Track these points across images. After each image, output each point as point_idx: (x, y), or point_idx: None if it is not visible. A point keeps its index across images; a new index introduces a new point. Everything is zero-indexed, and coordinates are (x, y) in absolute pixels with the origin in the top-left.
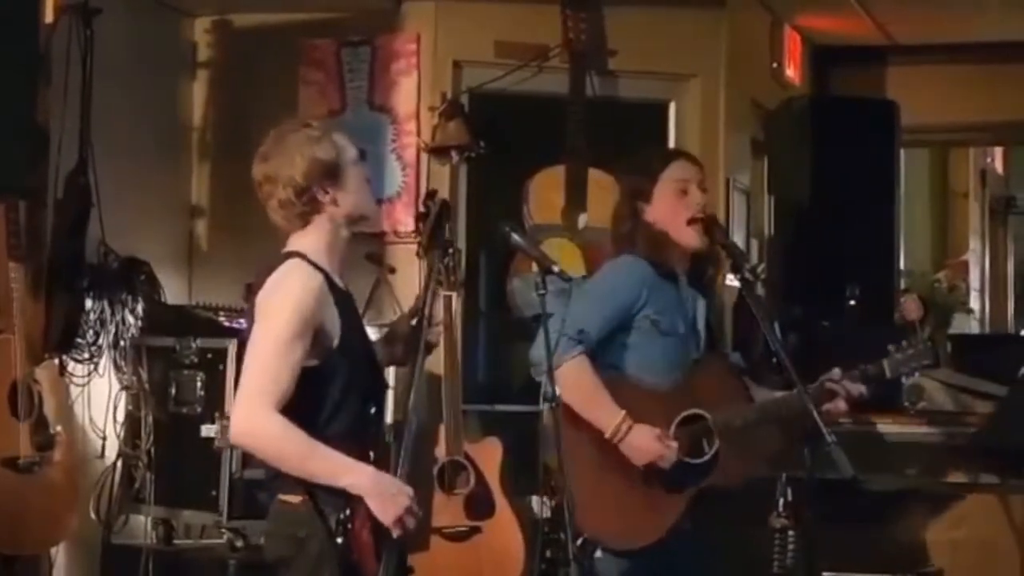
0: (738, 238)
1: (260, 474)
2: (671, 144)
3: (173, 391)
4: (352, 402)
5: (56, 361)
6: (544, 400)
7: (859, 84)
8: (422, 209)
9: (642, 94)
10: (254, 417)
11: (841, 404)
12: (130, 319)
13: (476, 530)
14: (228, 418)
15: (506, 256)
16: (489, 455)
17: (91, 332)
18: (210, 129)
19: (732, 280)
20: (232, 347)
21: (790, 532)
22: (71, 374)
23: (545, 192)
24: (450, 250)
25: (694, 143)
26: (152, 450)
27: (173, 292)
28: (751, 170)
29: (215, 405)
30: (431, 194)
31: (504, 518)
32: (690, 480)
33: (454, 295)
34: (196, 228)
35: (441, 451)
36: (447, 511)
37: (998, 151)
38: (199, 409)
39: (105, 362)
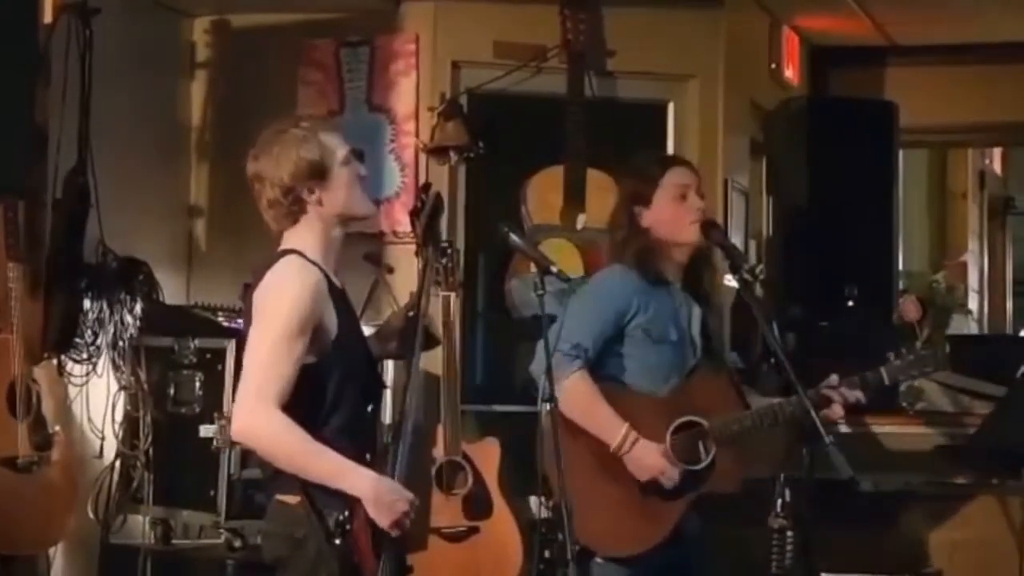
0: (737, 239)
1: (258, 474)
2: (670, 145)
3: (172, 391)
4: (349, 399)
5: (54, 361)
6: (542, 400)
7: (858, 85)
8: (417, 204)
9: (641, 95)
10: (255, 415)
11: (837, 409)
12: (129, 319)
13: (474, 530)
14: (227, 418)
15: (505, 256)
16: (487, 455)
17: (89, 332)
18: (209, 129)
19: (730, 281)
20: (231, 347)
21: (788, 533)
22: (69, 374)
23: (544, 193)
24: (448, 250)
25: (693, 144)
26: (150, 450)
27: (172, 292)
28: (750, 171)
29: (214, 405)
30: (425, 187)
31: (502, 518)
32: (687, 487)
33: (453, 295)
34: (195, 228)
35: (439, 451)
36: (445, 511)
37: (997, 152)
38: (198, 409)
39: (103, 362)
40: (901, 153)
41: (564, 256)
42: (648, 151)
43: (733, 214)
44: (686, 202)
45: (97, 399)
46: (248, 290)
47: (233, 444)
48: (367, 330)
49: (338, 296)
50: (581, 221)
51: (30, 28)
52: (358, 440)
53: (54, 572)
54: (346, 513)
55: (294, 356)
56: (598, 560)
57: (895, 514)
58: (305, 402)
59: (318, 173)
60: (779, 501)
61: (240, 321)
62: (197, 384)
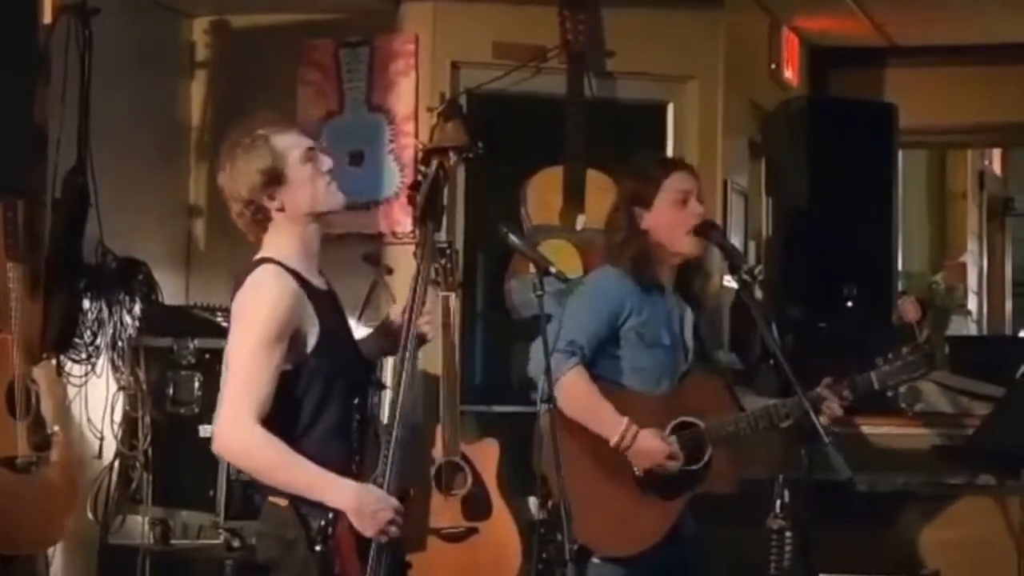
0: (736, 239)
1: None
2: (670, 146)
3: (171, 391)
4: (335, 401)
5: (53, 361)
6: (541, 401)
7: (857, 85)
8: (417, 177)
9: (640, 95)
10: (236, 431)
11: (836, 407)
12: (128, 319)
13: (473, 531)
14: None
15: (504, 257)
16: (486, 456)
17: (89, 332)
18: (208, 129)
19: (730, 281)
20: None
21: (787, 533)
22: (69, 374)
23: (543, 193)
24: (448, 250)
25: (692, 145)
26: (149, 450)
27: (171, 292)
28: (749, 171)
29: (213, 405)
30: (426, 157)
31: (501, 519)
32: (684, 487)
33: (452, 296)
34: (194, 229)
35: (438, 452)
36: (444, 512)
37: (996, 153)
38: (196, 409)
39: (103, 362)
40: (901, 154)
41: (563, 257)
42: (650, 152)
43: (732, 215)
44: (686, 208)
45: (96, 399)
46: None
47: None
48: (366, 330)
49: (319, 298)
50: (580, 222)
51: (30, 28)
52: (346, 440)
53: (53, 572)
54: (329, 517)
55: (272, 366)
56: (595, 560)
57: (894, 515)
58: (288, 410)
59: (274, 179)
60: (778, 502)
61: None
62: (196, 384)
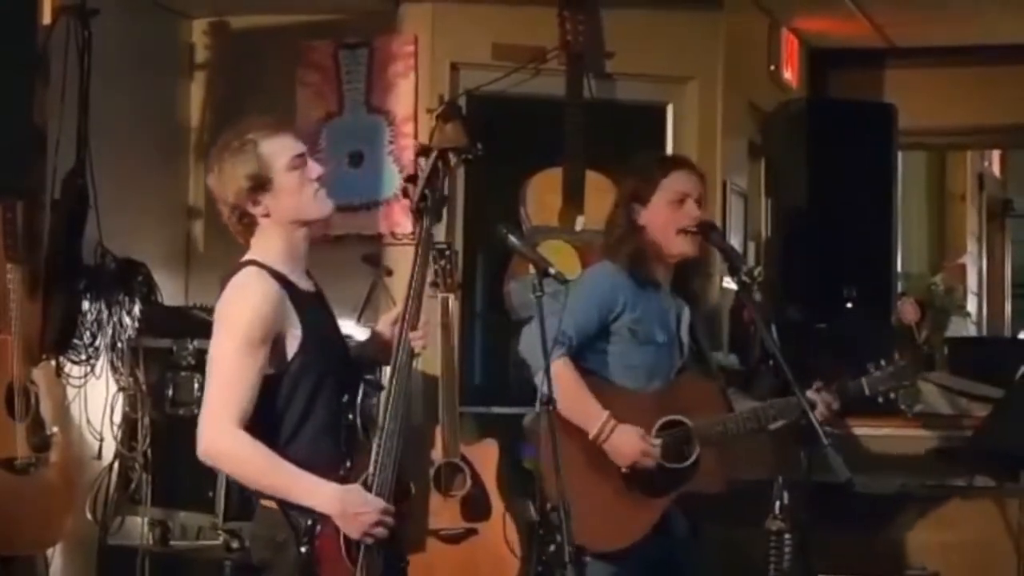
0: (735, 241)
1: None
2: (669, 147)
3: (170, 392)
4: (323, 402)
5: (53, 362)
6: (540, 403)
7: (856, 87)
8: (416, 170)
9: (640, 96)
10: (219, 437)
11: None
12: (127, 320)
13: (472, 532)
14: None
15: (503, 258)
16: (486, 457)
17: (88, 333)
18: (208, 130)
19: (729, 283)
20: None
21: (786, 535)
22: (68, 375)
23: (543, 194)
24: (447, 251)
25: (692, 146)
26: (149, 451)
27: (170, 293)
28: (748, 173)
29: None
30: (424, 150)
31: (501, 520)
32: (670, 485)
33: (451, 296)
34: (193, 229)
35: (438, 453)
36: (444, 513)
37: (995, 154)
38: (196, 410)
39: (102, 363)
40: (900, 155)
41: (562, 257)
42: (655, 152)
43: (732, 216)
44: (682, 209)
45: (96, 400)
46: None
47: None
48: (365, 331)
49: (304, 299)
50: (580, 223)
51: (29, 29)
52: (338, 440)
53: (52, 573)
54: (311, 520)
55: (254, 369)
56: (585, 558)
57: (892, 516)
58: (275, 413)
59: (259, 186)
60: (777, 503)
61: None
62: (195, 385)
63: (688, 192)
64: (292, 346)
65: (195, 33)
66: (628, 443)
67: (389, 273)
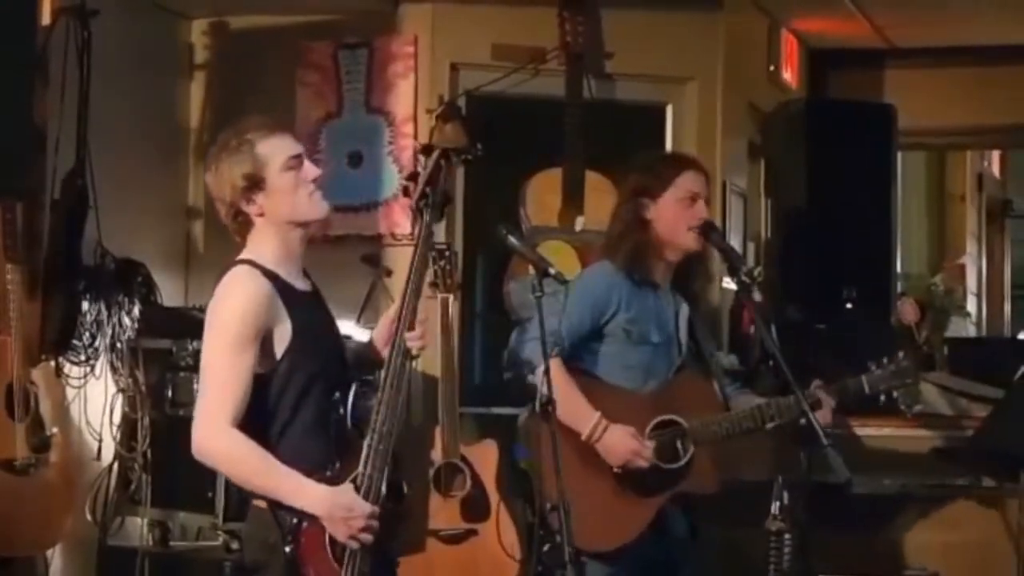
0: (735, 241)
1: None
2: (669, 147)
3: (169, 393)
4: (313, 400)
5: (52, 363)
6: (540, 404)
7: (856, 87)
8: (417, 169)
9: (639, 97)
10: (211, 436)
11: (827, 414)
12: (127, 321)
13: (472, 532)
14: None
15: (503, 258)
16: (486, 457)
17: (87, 334)
18: (207, 131)
19: (729, 283)
20: None
21: (786, 535)
22: (67, 376)
23: (542, 194)
24: (447, 252)
25: (691, 146)
26: (148, 452)
27: (169, 294)
28: (748, 173)
29: None
30: (427, 149)
31: (500, 520)
32: (663, 485)
33: (451, 297)
34: (193, 230)
35: (437, 453)
36: (443, 513)
37: (995, 154)
38: None
39: (102, 364)
40: (900, 155)
41: (562, 258)
42: (659, 151)
43: (731, 216)
44: (693, 208)
45: (95, 401)
46: None
47: None
48: (364, 333)
49: (297, 298)
50: (579, 223)
51: (28, 29)
52: (327, 439)
53: (52, 574)
54: (295, 520)
55: (245, 367)
56: (583, 558)
57: (892, 516)
58: (265, 411)
59: (254, 185)
60: (777, 504)
61: None
62: (195, 386)
63: (699, 192)
64: (282, 345)
65: (195, 33)
66: (620, 443)
67: (389, 273)
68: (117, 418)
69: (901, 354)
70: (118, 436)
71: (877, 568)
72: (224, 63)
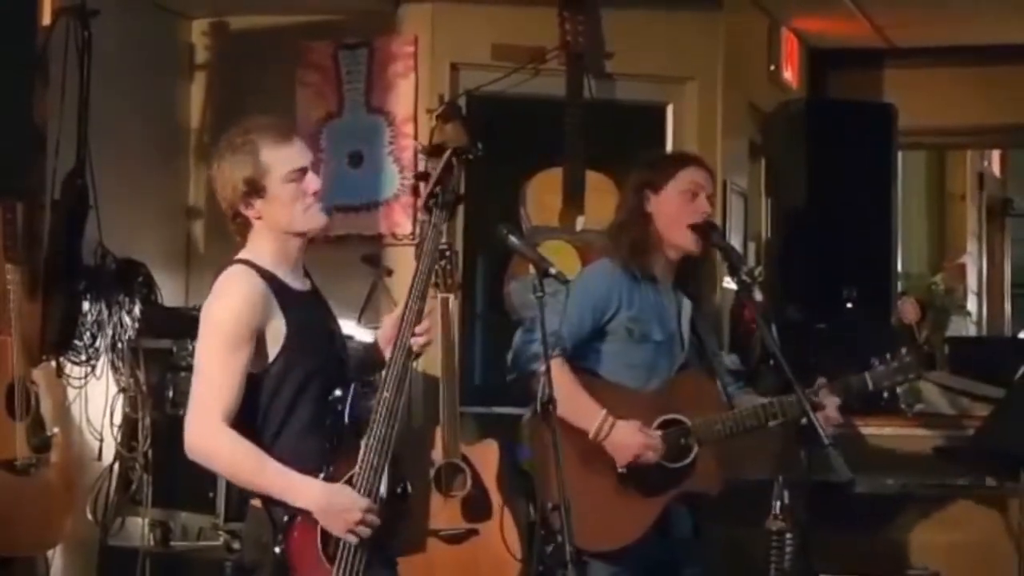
0: (735, 241)
1: None
2: (669, 147)
3: (170, 393)
4: (309, 398)
5: (53, 363)
6: (541, 404)
7: (856, 87)
8: (427, 169)
9: (640, 96)
10: (205, 434)
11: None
12: (127, 321)
13: (473, 532)
14: None
15: (504, 258)
16: (486, 457)
17: (88, 334)
18: (207, 131)
19: (729, 283)
20: None
21: (787, 535)
22: (68, 376)
23: (543, 194)
24: (447, 252)
25: (692, 146)
26: (149, 452)
27: (170, 294)
28: (748, 173)
29: None
30: (436, 149)
31: (501, 520)
32: (667, 485)
33: (451, 297)
34: (193, 230)
35: (438, 453)
36: (444, 513)
37: (995, 154)
38: None
39: (102, 364)
40: (900, 155)
41: (562, 258)
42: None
43: (732, 216)
44: (694, 202)
45: (96, 401)
46: None
47: None
48: (365, 333)
49: (294, 298)
50: (580, 223)
51: (28, 29)
52: (323, 437)
53: (53, 574)
54: (286, 518)
55: (238, 366)
56: (585, 558)
57: (893, 516)
58: (261, 409)
59: (254, 191)
60: (778, 503)
61: None
62: None
63: (703, 186)
64: (276, 345)
65: (195, 33)
66: (629, 437)
67: (389, 273)
68: (118, 418)
69: (904, 350)
70: (119, 436)
71: (878, 568)
72: (224, 63)
